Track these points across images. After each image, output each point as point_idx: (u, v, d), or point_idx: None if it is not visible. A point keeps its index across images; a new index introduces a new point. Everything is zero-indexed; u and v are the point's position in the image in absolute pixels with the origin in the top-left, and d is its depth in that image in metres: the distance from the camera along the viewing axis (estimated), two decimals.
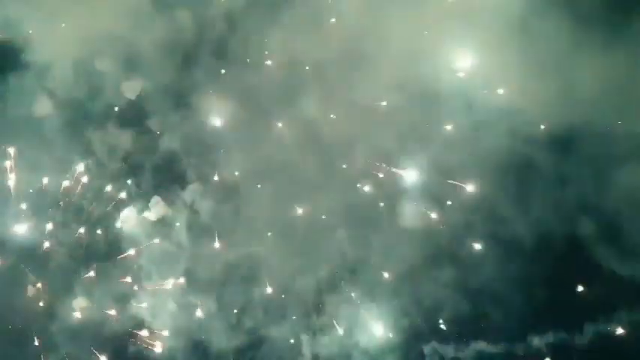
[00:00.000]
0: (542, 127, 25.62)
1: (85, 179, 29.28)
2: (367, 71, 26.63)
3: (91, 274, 28.71)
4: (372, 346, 27.39)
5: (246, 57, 28.42)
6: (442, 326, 26.92)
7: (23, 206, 28.95)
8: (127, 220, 29.00)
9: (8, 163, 28.82)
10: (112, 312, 28.21)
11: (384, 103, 27.20)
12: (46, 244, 29.00)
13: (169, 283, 28.18)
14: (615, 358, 24.78)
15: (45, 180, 29.14)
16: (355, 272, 27.58)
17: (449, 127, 26.75)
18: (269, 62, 28.42)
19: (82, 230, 29.21)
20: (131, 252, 28.81)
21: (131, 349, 28.00)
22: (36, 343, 28.09)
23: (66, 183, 29.27)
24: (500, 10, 25.01)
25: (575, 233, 25.25)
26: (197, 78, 28.49)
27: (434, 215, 26.77)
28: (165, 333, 27.93)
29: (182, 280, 28.21)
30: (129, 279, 28.55)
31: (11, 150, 28.84)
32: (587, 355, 24.92)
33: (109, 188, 29.35)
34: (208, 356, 27.80)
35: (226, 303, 27.96)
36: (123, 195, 29.38)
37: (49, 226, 29.12)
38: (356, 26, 26.96)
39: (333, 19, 27.75)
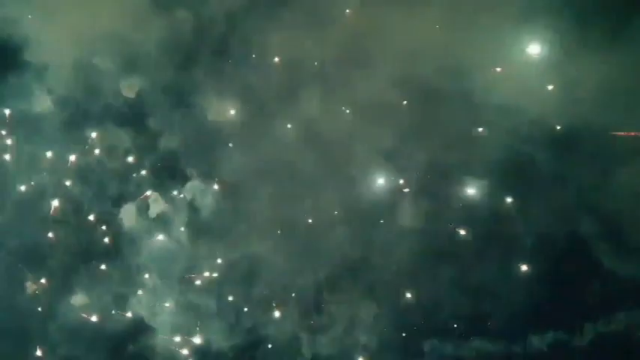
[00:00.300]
0: (558, 127, 25.40)
1: (83, 177, 29.18)
2: (379, 68, 26.27)
3: (91, 272, 28.64)
4: (371, 344, 27.39)
5: (252, 53, 28.03)
6: (442, 324, 26.92)
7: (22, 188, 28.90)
8: (127, 217, 28.89)
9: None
10: (113, 311, 28.28)
11: (405, 102, 26.84)
12: (46, 242, 28.93)
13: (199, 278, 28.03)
14: (615, 358, 24.83)
15: (44, 176, 29.12)
16: (355, 271, 27.52)
17: (451, 126, 26.57)
18: (277, 59, 28.02)
19: (81, 227, 29.16)
20: (131, 249, 28.68)
21: (131, 348, 28.09)
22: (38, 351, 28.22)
23: (64, 180, 29.20)
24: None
25: (576, 233, 25.27)
26: (198, 74, 28.22)
27: (462, 232, 26.65)
28: (197, 340, 27.98)
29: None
30: (129, 276, 28.52)
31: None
32: (588, 355, 24.98)
33: (108, 185, 29.21)
34: (207, 355, 27.89)
35: (226, 302, 28.00)
36: (122, 192, 29.21)
37: (49, 223, 29.06)
38: (373, 18, 26.42)
39: (348, 10, 27.06)
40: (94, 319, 28.22)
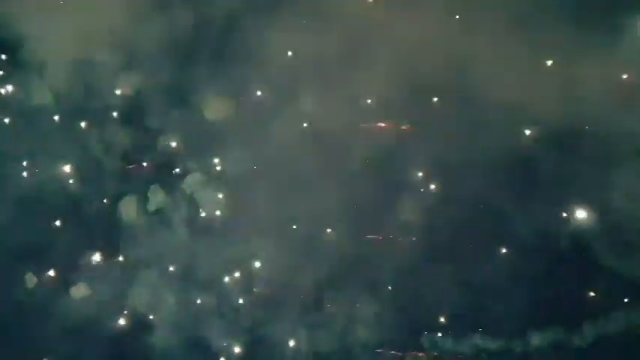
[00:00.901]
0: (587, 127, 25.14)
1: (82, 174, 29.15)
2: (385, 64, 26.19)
3: (91, 268, 28.65)
4: (370, 340, 27.46)
5: (251, 51, 27.87)
6: (442, 320, 26.95)
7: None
8: (126, 211, 28.86)
9: None
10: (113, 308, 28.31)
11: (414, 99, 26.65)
12: (45, 237, 28.92)
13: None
14: (615, 358, 24.91)
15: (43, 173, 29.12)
16: (355, 268, 27.53)
17: (449, 123, 26.51)
18: (290, 53, 27.82)
19: (80, 223, 29.13)
20: (130, 244, 28.68)
21: (130, 346, 28.14)
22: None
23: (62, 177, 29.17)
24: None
25: (576, 231, 25.25)
26: (198, 71, 28.18)
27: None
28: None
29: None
30: (129, 272, 28.53)
31: None
32: (587, 355, 25.06)
33: (107, 181, 29.16)
34: (206, 354, 27.98)
35: (225, 300, 28.04)
36: (121, 187, 29.16)
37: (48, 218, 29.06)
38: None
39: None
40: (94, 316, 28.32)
